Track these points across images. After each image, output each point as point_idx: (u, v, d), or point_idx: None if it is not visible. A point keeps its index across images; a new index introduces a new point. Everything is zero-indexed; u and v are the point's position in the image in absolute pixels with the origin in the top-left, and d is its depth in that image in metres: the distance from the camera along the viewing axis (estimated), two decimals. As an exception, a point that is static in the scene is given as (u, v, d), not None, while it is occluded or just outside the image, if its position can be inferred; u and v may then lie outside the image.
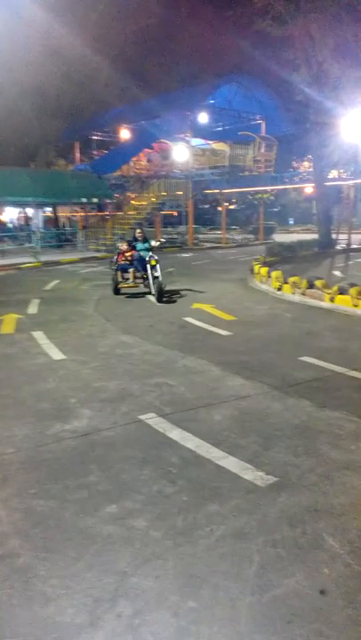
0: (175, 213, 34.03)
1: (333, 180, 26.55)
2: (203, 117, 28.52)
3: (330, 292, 9.41)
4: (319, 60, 18.91)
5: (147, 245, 10.91)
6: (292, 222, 42.72)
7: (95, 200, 27.39)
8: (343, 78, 18.91)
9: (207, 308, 9.31)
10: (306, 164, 31.37)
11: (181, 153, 28.33)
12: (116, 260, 10.99)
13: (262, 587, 2.35)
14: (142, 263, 10.54)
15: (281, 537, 2.71)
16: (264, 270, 12.28)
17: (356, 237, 24.39)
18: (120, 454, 3.69)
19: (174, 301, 10.19)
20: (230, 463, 3.50)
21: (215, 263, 18.97)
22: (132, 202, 28.51)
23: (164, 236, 26.18)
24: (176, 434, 3.99)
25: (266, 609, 2.23)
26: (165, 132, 28.69)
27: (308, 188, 30.75)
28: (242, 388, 5.07)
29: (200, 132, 29.07)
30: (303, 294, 10.07)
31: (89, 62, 25.70)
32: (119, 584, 2.39)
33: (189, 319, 8.33)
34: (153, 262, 10.20)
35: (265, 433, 3.99)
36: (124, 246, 11.05)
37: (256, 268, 13.10)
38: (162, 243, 10.73)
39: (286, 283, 10.78)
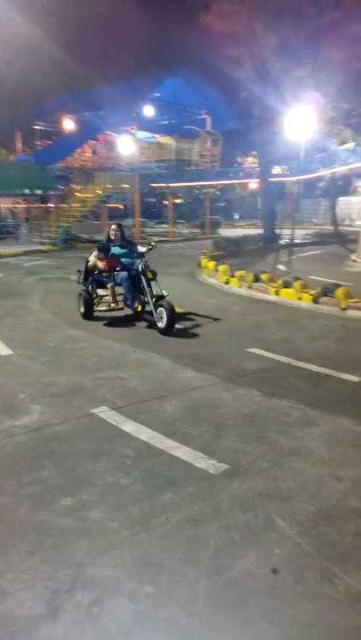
0: (121, 206, 33.78)
1: (277, 175, 27.17)
2: (149, 110, 28.43)
3: (275, 285, 9.67)
4: (262, 57, 19.27)
5: (126, 250, 7.93)
6: (237, 217, 43.39)
7: (38, 191, 26.74)
8: (285, 76, 19.37)
9: (156, 301, 9.34)
10: (250, 159, 31.95)
11: (127, 145, 28.16)
12: (86, 270, 7.99)
13: (218, 569, 2.44)
14: (130, 277, 7.53)
15: (234, 521, 2.80)
16: (212, 264, 12.46)
17: (299, 232, 25.13)
18: (73, 448, 3.68)
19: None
20: (184, 453, 3.57)
21: (163, 257, 18.99)
22: (77, 194, 28.05)
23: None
24: (129, 426, 4.02)
25: (222, 590, 2.31)
26: (110, 123, 28.41)
27: (253, 184, 31.32)
28: (193, 379, 5.15)
29: (146, 125, 28.97)
30: (250, 288, 10.31)
31: (32, 51, 24.97)
32: (77, 575, 2.40)
33: (139, 313, 8.33)
34: (149, 274, 7.31)
35: (216, 423, 4.09)
36: (93, 255, 7.93)
37: (204, 262, 13.26)
38: (153, 247, 8.09)
39: (233, 276, 10.99)
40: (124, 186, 27.83)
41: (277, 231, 22.44)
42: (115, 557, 2.53)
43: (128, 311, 7.85)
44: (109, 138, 29.89)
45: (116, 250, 7.89)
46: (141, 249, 7.82)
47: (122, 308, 7.76)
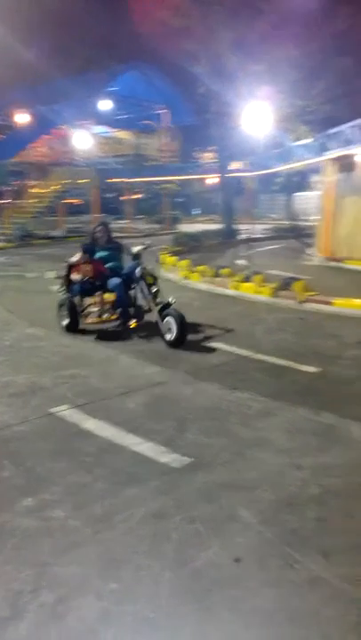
0: (79, 202, 33.33)
1: (236, 171, 27.41)
2: (106, 105, 28.08)
3: (235, 279, 9.78)
4: (218, 52, 19.36)
5: (113, 253, 7.02)
6: (196, 212, 43.54)
7: (-8, 187, 26.08)
8: (242, 71, 19.53)
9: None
10: (208, 154, 32.08)
11: (83, 140, 27.73)
12: (68, 275, 6.93)
13: (182, 562, 2.46)
14: (120, 282, 6.61)
15: (198, 513, 2.83)
16: (172, 260, 12.47)
17: (257, 227, 25.44)
18: (33, 448, 3.62)
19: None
20: (146, 448, 3.57)
21: (122, 253, 18.90)
22: (33, 189, 27.49)
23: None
24: (91, 424, 3.99)
25: (186, 582, 2.33)
26: (66, 118, 27.89)
27: (212, 179, 31.50)
28: (155, 375, 5.16)
29: (103, 119, 28.62)
30: (210, 283, 10.38)
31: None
32: (40, 575, 2.38)
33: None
34: (149, 279, 6.47)
35: (179, 417, 4.11)
36: (76, 257, 6.86)
37: (163, 257, 13.26)
38: (148, 246, 7.14)
39: (193, 272, 11.04)
40: (82, 181, 27.46)
41: (236, 226, 22.66)
42: (79, 555, 2.51)
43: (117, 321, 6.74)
44: (65, 132, 29.36)
45: (101, 253, 6.92)
46: (137, 249, 6.78)
47: (116, 319, 6.66)
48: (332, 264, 13.94)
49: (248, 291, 9.37)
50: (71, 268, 6.84)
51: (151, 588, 2.29)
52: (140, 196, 38.49)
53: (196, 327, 7.15)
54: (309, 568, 2.40)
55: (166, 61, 24.08)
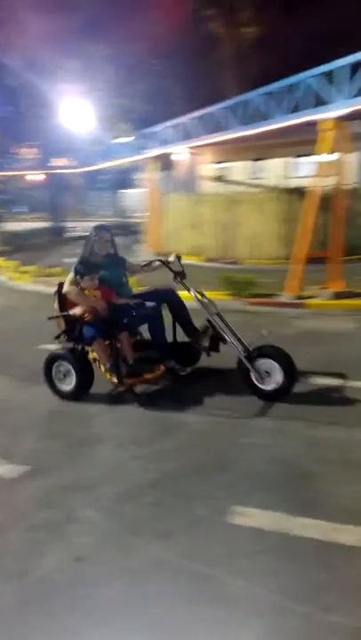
0: None
1: (60, 167, 26.83)
2: None
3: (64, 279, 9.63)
4: (30, 46, 18.74)
5: (117, 271, 4.61)
6: (21, 210, 41.69)
7: None
8: (58, 67, 19.18)
9: None
10: (28, 150, 30.85)
11: None
12: (64, 305, 4.57)
13: (23, 572, 2.39)
14: (157, 309, 4.47)
15: (38, 521, 2.77)
16: (-4, 260, 11.84)
17: (86, 224, 25.27)
18: None
19: None
20: (-22, 463, 3.38)
21: None
22: None
23: None
24: None
25: (29, 591, 2.28)
26: None
27: (35, 176, 30.39)
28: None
29: None
30: (38, 282, 10.08)
31: None
32: None
33: None
34: (199, 296, 4.36)
35: (14, 425, 3.95)
36: (88, 282, 4.32)
37: (-13, 258, 12.52)
38: (179, 257, 4.62)
39: (21, 272, 10.62)
40: None
41: (65, 224, 22.28)
42: None
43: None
44: None
45: (103, 272, 4.44)
46: (171, 259, 4.57)
47: (162, 375, 4.40)
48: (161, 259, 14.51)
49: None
50: (66, 298, 4.47)
51: (-9, 607, 2.19)
52: None
53: (24, 330, 6.91)
54: (149, 552, 2.51)
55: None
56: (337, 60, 8.11)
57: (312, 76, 8.70)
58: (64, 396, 4.39)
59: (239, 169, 18.49)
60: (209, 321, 4.25)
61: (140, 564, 2.43)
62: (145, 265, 4.74)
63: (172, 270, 4.47)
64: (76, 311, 4.36)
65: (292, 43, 15.66)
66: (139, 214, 20.88)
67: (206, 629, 2.08)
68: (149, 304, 4.45)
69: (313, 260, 8.27)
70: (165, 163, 16.14)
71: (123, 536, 2.64)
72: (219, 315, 4.29)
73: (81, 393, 4.36)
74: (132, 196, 30.05)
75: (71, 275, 4.35)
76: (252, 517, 2.71)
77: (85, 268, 4.35)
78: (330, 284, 8.25)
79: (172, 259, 4.56)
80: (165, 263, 4.55)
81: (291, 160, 16.84)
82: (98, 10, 18.56)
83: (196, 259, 12.97)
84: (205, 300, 4.31)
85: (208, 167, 18.83)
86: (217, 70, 19.38)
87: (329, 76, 8.36)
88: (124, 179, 31.91)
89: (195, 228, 14.54)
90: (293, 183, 14.59)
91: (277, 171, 17.37)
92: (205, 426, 3.85)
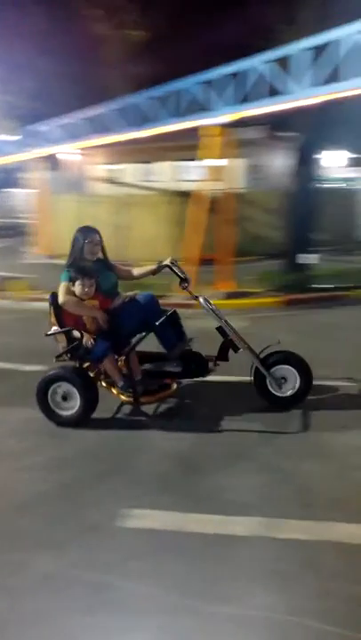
0: None
1: None
2: None
3: None
4: None
5: (108, 276, 4.19)
6: None
7: None
8: None
9: None
10: None
11: None
12: (60, 317, 3.95)
13: None
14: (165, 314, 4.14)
15: None
16: None
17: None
18: None
19: None
20: None
21: None
22: None
23: None
24: None
25: None
26: None
27: None
28: None
29: None
30: None
31: None
32: None
33: None
34: (208, 303, 4.16)
35: None
36: (80, 287, 3.81)
37: None
38: (175, 263, 4.33)
39: None
40: None
41: None
42: None
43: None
44: None
45: (102, 279, 4.05)
46: (167, 262, 4.31)
47: (175, 390, 4.14)
48: (54, 261, 14.08)
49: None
50: (62, 310, 3.88)
51: None
52: None
53: None
54: (38, 567, 2.41)
55: None
56: (218, 68, 8.39)
57: (197, 83, 8.93)
58: (63, 422, 3.88)
59: (130, 171, 18.52)
60: (221, 328, 4.02)
61: (28, 580, 2.33)
62: (154, 270, 4.34)
63: (179, 276, 4.23)
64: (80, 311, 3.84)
65: (182, 49, 15.97)
66: (25, 215, 20.08)
67: (101, 637, 2.04)
68: (142, 295, 4.07)
69: (205, 261, 8.50)
70: (54, 162, 15.70)
71: (13, 551, 2.52)
72: (227, 322, 4.05)
73: (86, 417, 3.86)
74: (18, 196, 28.82)
75: (64, 284, 3.83)
76: (145, 519, 2.73)
77: (79, 271, 3.81)
78: (219, 285, 8.53)
79: (167, 263, 4.30)
80: (172, 269, 4.25)
81: (181, 163, 17.19)
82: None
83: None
84: (214, 307, 4.09)
85: (99, 168, 18.64)
86: (106, 71, 19.24)
87: (211, 83, 8.63)
88: (7, 178, 30.51)
89: (87, 230, 14.26)
90: (184, 186, 14.89)
91: (168, 174, 17.66)
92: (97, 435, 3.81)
